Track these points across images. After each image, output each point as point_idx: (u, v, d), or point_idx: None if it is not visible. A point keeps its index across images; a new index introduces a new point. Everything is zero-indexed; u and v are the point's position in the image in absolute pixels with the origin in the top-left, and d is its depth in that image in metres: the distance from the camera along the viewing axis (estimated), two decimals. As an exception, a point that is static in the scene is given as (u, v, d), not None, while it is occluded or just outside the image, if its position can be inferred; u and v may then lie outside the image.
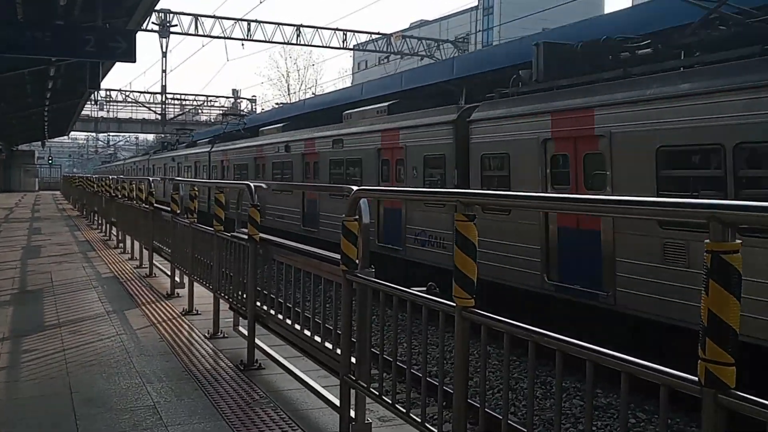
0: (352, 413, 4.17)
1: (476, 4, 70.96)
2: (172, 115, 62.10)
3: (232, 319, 6.84)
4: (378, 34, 50.11)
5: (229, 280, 6.64)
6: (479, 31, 64.96)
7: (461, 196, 3.14)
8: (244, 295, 6.09)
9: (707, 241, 1.91)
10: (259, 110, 65.86)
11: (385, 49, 50.60)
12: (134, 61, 12.56)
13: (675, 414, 8.11)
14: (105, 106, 61.98)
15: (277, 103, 65.33)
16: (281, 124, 26.07)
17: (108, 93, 60.24)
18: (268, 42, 45.14)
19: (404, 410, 3.59)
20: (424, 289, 3.52)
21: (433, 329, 3.78)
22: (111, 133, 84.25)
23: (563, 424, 8.52)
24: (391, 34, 49.80)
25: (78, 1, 12.52)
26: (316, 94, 63.01)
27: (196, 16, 43.31)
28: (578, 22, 18.18)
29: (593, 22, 18.56)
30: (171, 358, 6.35)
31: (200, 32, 43.25)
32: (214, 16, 43.47)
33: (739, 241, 1.89)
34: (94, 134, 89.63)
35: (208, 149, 31.95)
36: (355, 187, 4.23)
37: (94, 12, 13.10)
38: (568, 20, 22.23)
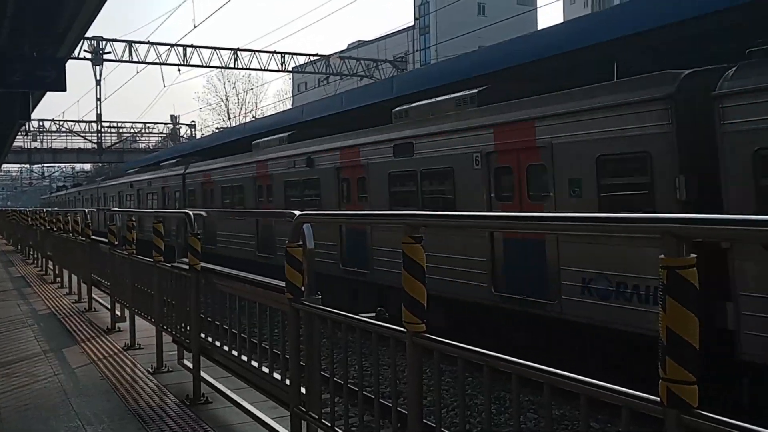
0: (304, 445, 4.02)
1: (413, 24, 71.79)
2: (109, 144, 60.72)
3: (176, 353, 6.61)
4: (316, 55, 50.09)
5: (171, 311, 6.42)
6: (417, 50, 65.65)
7: (407, 218, 3.05)
8: (188, 327, 5.89)
9: (662, 256, 1.86)
10: (198, 135, 65.04)
11: (324, 71, 50.58)
12: (64, 90, 12.22)
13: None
14: (38, 137, 60.13)
15: (217, 128, 64.66)
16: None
17: (41, 123, 58.52)
18: (205, 66, 44.61)
19: (358, 441, 3.47)
20: (373, 315, 3.42)
21: (385, 349, 3.68)
22: (46, 165, 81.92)
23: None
24: (329, 56, 49.82)
25: (2, 29, 12.10)
26: (256, 117, 62.60)
27: (129, 43, 42.53)
28: (512, 39, 18.46)
29: (526, 38, 18.87)
30: (112, 396, 6.08)
31: (135, 59, 42.46)
32: (148, 42, 42.73)
33: (694, 256, 1.84)
34: (27, 166, 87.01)
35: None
36: (297, 212, 4.11)
37: (20, 40, 12.70)
38: (503, 37, 22.58)
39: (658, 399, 1.88)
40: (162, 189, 29.14)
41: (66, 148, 61.19)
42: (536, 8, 67.67)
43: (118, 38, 42.90)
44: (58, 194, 69.04)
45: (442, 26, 67.27)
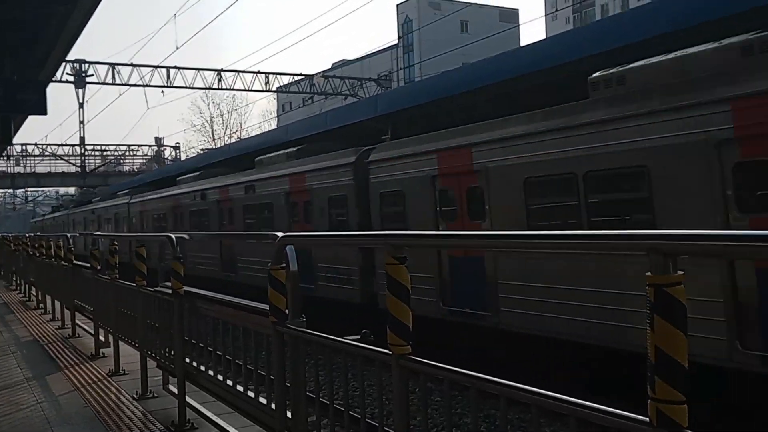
0: (292, 471, 3.94)
1: (397, 42, 72.23)
2: (93, 167, 60.39)
3: (161, 378, 6.51)
4: (300, 75, 50.20)
5: (155, 336, 6.33)
6: (401, 68, 65.98)
7: (390, 238, 3.01)
8: (172, 352, 5.80)
9: (648, 273, 1.82)
10: (183, 157, 64.84)
11: (308, 90, 50.67)
12: (45, 114, 12.16)
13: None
14: (21, 161, 59.72)
15: (201, 149, 64.54)
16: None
17: (24, 147, 58.19)
18: (189, 88, 44.59)
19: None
20: (358, 337, 3.36)
21: (372, 369, 3.62)
22: (30, 189, 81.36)
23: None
24: (313, 75, 49.93)
25: (-17, 53, 12.08)
26: (241, 137, 62.56)
27: (112, 65, 42.45)
28: (494, 56, 18.55)
29: (509, 55, 18.98)
30: (96, 424, 5.97)
31: (118, 81, 42.37)
32: (131, 65, 42.70)
33: (681, 272, 1.80)
34: (11, 191, 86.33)
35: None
36: (280, 234, 4.06)
37: (1, 64, 12.65)
38: (486, 54, 22.71)
39: (647, 419, 1.84)
40: (286, 196, 17.04)
41: (50, 172, 60.81)
42: (518, 25, 68.34)
43: (100, 60, 42.88)
44: (55, 216, 59.39)
45: (426, 44, 67.70)
